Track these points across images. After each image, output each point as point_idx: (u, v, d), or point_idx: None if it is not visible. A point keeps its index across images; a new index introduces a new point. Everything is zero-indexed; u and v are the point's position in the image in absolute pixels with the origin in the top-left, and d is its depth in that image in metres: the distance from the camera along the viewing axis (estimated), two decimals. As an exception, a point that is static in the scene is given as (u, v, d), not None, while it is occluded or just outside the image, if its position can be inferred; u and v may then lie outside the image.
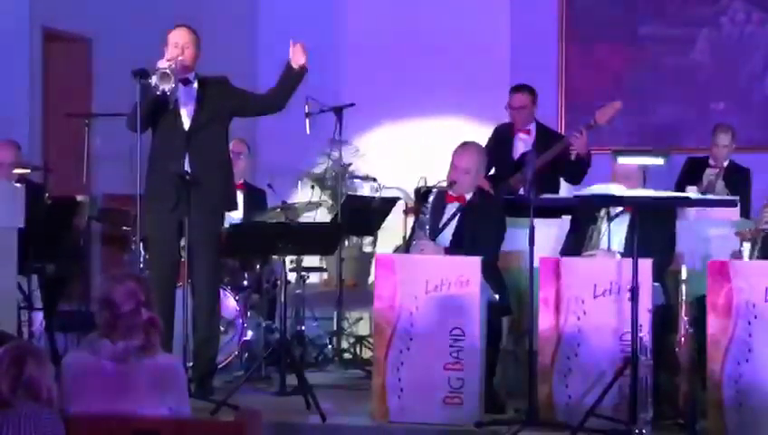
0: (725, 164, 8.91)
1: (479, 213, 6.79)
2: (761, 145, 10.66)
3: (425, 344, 6.24)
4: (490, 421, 6.17)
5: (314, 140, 8.83)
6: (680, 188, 8.35)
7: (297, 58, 6.86)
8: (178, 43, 6.85)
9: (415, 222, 6.99)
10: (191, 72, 6.92)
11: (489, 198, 7.08)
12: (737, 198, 7.55)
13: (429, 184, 7.07)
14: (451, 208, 6.85)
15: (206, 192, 6.76)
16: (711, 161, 9.01)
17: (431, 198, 6.76)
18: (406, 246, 7.04)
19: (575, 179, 8.13)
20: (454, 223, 6.82)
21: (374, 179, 10.55)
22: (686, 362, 6.06)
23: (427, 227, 6.73)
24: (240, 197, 8.24)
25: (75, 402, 4.10)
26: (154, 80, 6.58)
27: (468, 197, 6.86)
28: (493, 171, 8.00)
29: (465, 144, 6.97)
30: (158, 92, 6.61)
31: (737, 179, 8.84)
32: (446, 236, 6.81)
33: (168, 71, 6.62)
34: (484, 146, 7.37)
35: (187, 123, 6.88)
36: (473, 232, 6.74)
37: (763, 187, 8.29)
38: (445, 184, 6.84)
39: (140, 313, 4.15)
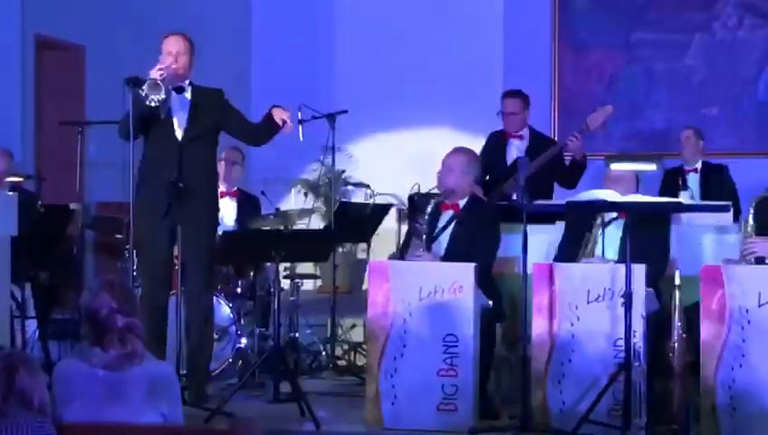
0: (699, 166, 8.94)
1: (473, 221, 6.78)
2: (754, 151, 10.69)
3: (419, 351, 6.24)
4: (484, 428, 6.18)
5: (307, 146, 8.80)
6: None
7: (279, 116, 6.88)
8: (172, 51, 6.82)
9: (409, 229, 6.97)
10: (185, 80, 6.90)
11: (483, 205, 7.07)
12: (729, 203, 7.55)
13: (423, 191, 7.06)
14: (446, 217, 6.84)
15: (197, 200, 6.75)
16: (686, 166, 9.06)
17: (429, 208, 6.73)
18: (400, 254, 7.02)
19: (570, 184, 8.13)
20: (449, 231, 6.81)
21: (367, 186, 10.57)
22: (680, 367, 6.05)
23: (424, 236, 6.72)
24: (234, 204, 8.26)
25: (68, 411, 4.08)
26: (144, 89, 6.54)
27: (462, 204, 6.86)
28: (487, 178, 8.00)
29: (455, 147, 6.98)
30: (147, 102, 6.55)
31: (716, 179, 8.86)
32: (441, 244, 6.80)
33: (158, 81, 6.57)
34: (477, 153, 7.36)
35: (179, 132, 6.85)
36: (467, 240, 6.73)
37: (756, 192, 8.28)
38: (437, 190, 6.82)
39: (115, 320, 4.13)
